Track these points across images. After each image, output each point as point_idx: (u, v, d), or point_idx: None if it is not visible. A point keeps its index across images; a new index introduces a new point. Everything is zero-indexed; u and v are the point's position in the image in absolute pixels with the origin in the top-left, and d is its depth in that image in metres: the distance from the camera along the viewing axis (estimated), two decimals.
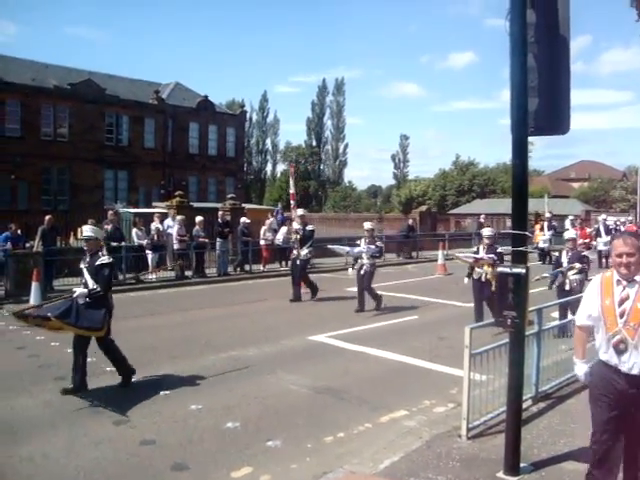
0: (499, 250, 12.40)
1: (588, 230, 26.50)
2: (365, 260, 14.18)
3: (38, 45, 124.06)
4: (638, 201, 56.30)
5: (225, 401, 7.77)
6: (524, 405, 6.33)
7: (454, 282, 19.29)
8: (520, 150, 5.27)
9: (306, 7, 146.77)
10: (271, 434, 6.64)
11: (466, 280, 12.80)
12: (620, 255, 4.33)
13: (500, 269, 5.14)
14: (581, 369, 4.76)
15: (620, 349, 4.29)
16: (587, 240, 22.38)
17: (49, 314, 7.70)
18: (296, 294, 15.76)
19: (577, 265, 11.27)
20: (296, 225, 16.34)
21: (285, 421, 7.10)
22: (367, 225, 14.99)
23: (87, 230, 8.63)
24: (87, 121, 40.40)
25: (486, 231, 12.99)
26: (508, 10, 5.32)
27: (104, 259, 8.28)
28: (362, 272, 14.17)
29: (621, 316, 4.30)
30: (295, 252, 15.99)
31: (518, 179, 5.29)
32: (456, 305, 14.99)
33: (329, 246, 16.31)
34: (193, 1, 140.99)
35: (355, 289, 14.75)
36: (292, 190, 17.51)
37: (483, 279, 12.16)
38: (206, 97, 49.31)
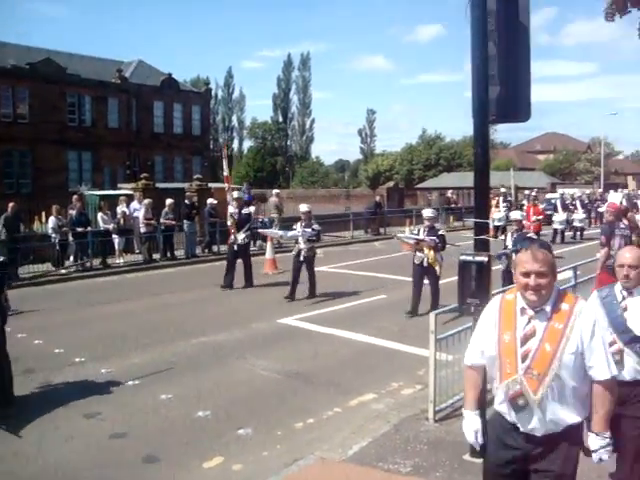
0: (441, 232, 11.77)
1: (541, 207, 24.92)
2: (302, 244, 13.23)
3: None
4: (602, 173, 57.30)
5: (196, 389, 7.80)
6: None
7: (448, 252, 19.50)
8: (482, 138, 5.33)
9: None
10: (242, 422, 6.70)
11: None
12: (527, 274, 3.17)
13: (462, 257, 5.21)
14: (471, 425, 3.48)
15: (518, 405, 3.19)
16: (541, 217, 21.52)
17: None
18: (227, 281, 14.90)
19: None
20: (231, 209, 15.34)
21: (256, 408, 7.16)
22: (303, 207, 14.00)
23: None
24: (48, 102, 39.52)
25: (426, 211, 12.13)
26: None
27: None
28: (300, 258, 13.26)
29: (523, 359, 3.16)
30: (232, 237, 15.08)
31: (480, 167, 5.36)
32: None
33: (260, 231, 15.69)
34: None
35: None
36: (226, 172, 16.29)
37: (425, 264, 11.49)
38: (170, 75, 48.55)
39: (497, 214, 24.82)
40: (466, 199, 37.66)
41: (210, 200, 22.41)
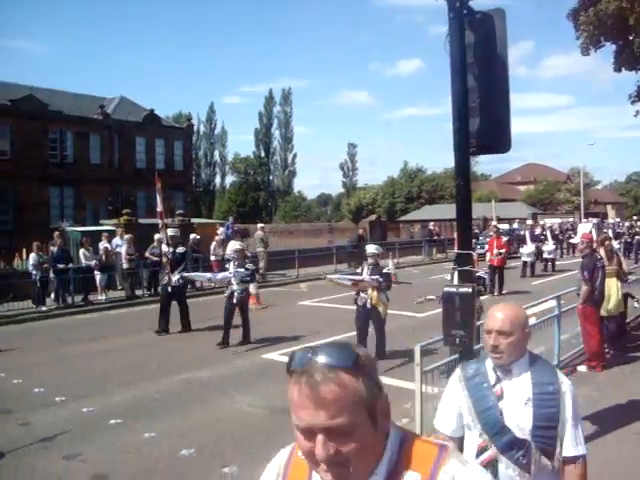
0: (386, 270, 10.87)
1: (504, 239, 22.09)
2: (235, 286, 12.27)
3: None
4: (582, 202, 57.99)
5: (179, 427, 7.67)
6: None
7: (407, 292, 19.47)
8: (463, 170, 5.35)
9: (251, 18, 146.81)
10: (227, 459, 6.58)
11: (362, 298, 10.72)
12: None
13: (446, 289, 5.19)
14: None
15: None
16: (503, 250, 19.71)
17: None
18: (162, 324, 13.94)
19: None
20: (164, 247, 14.39)
21: (241, 445, 7.04)
22: (234, 245, 13.17)
23: None
24: (30, 138, 39.43)
25: (370, 248, 11.13)
26: (447, 32, 5.41)
27: None
28: (233, 300, 12.27)
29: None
30: (166, 278, 14.07)
31: (462, 199, 5.37)
32: (408, 315, 15.11)
33: (185, 275, 14.24)
34: (137, 13, 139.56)
35: None
36: (159, 208, 14.91)
37: (368, 305, 10.54)
38: (152, 111, 48.75)
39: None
40: (448, 231, 37.88)
41: (193, 235, 22.36)
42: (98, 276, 19.37)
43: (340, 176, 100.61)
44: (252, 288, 17.56)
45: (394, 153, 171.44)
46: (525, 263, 24.21)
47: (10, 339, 13.43)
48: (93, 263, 19.18)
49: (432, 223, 34.94)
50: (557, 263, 26.54)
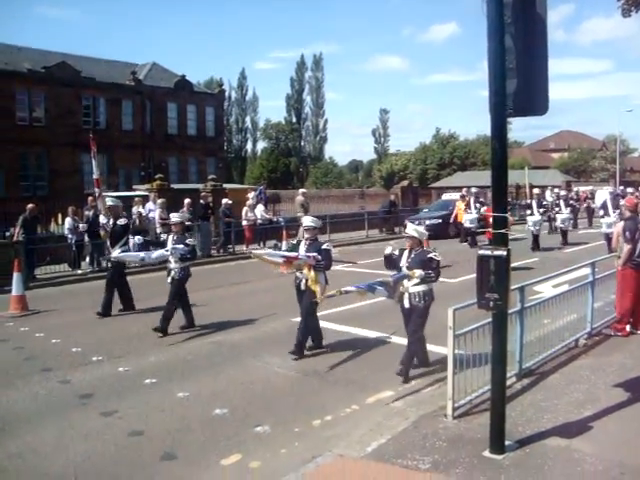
0: (325, 246, 9.30)
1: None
2: (173, 264, 10.76)
3: (8, 27, 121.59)
4: (617, 170, 56.81)
5: (212, 387, 7.80)
6: (508, 382, 6.42)
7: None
8: (499, 133, 5.29)
9: None
10: (259, 419, 6.69)
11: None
12: None
13: (481, 252, 5.16)
14: None
15: None
16: None
17: None
18: (105, 306, 12.31)
19: (417, 272, 7.87)
20: (103, 219, 12.77)
21: (273, 406, 7.15)
22: (175, 217, 11.63)
23: None
24: (63, 105, 39.84)
25: (306, 220, 9.71)
26: None
27: None
28: (169, 279, 10.82)
29: None
30: (106, 252, 12.82)
31: (498, 161, 5.31)
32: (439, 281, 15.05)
33: (113, 257, 12.42)
34: None
35: None
36: (95, 175, 13.21)
37: (302, 286, 9.16)
38: (184, 77, 48.76)
39: (468, 216, 22.70)
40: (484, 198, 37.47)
41: (225, 200, 22.49)
42: (131, 240, 19.56)
43: (372, 142, 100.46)
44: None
45: (426, 119, 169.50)
46: (533, 234, 21.43)
47: (48, 301, 13.73)
48: None
49: (464, 189, 33.52)
50: (570, 234, 23.95)
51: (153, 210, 20.71)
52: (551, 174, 62.94)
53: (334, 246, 15.10)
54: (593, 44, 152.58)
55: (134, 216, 19.97)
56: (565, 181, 53.94)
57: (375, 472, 5.29)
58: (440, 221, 26.40)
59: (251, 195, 24.95)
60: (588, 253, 16.64)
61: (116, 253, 12.28)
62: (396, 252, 8.32)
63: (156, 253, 11.26)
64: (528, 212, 23.14)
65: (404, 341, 9.61)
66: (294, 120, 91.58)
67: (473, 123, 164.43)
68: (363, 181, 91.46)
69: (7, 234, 17.97)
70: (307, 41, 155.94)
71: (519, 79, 5.26)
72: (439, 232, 24.16)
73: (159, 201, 20.61)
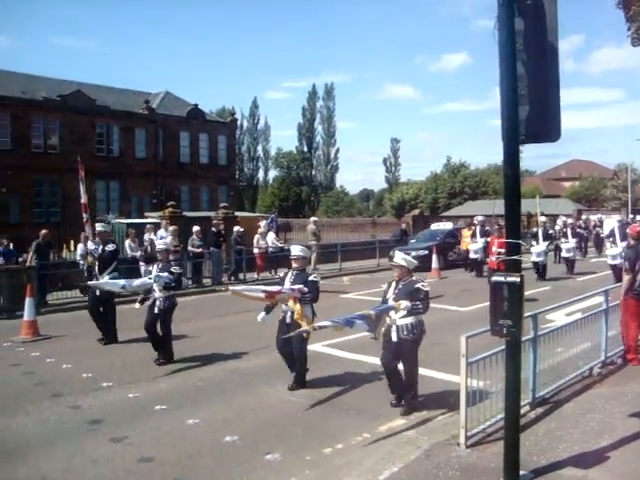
0: (312, 278, 8.83)
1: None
2: (157, 293, 10.38)
3: (25, 57, 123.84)
4: (629, 199, 56.66)
5: (223, 414, 7.75)
6: (522, 411, 6.32)
7: (449, 286, 19.32)
8: (512, 159, 5.28)
9: (295, 11, 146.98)
10: (270, 447, 6.63)
11: (262, 315, 8.99)
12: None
13: (494, 278, 5.14)
14: None
15: None
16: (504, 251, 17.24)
17: None
18: (109, 335, 12.18)
19: (404, 304, 7.46)
20: (91, 245, 12.59)
21: (283, 433, 7.08)
22: (160, 245, 11.40)
23: None
24: (78, 132, 40.33)
25: (294, 249, 9.28)
26: (496, 19, 5.34)
27: None
28: (155, 310, 10.35)
29: None
30: (94, 280, 12.17)
31: (510, 187, 5.30)
32: (450, 309, 14.99)
33: (90, 284, 12.08)
34: (180, 8, 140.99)
35: None
36: (83, 199, 13.15)
37: (288, 319, 8.68)
38: (196, 105, 49.34)
39: (473, 245, 22.16)
40: (493, 226, 37.39)
41: (237, 228, 22.58)
42: (143, 267, 19.65)
43: (383, 171, 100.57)
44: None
45: (437, 148, 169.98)
46: (536, 264, 20.57)
47: (59, 326, 13.75)
48: (138, 254, 19.48)
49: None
50: (578, 264, 23.20)
51: (165, 237, 20.75)
52: (563, 203, 62.83)
53: (345, 274, 15.03)
54: (603, 73, 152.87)
55: (145, 243, 20.11)
56: (576, 210, 53.80)
57: None
58: (427, 252, 24.25)
59: (263, 223, 25.03)
60: (597, 283, 16.42)
61: (105, 278, 11.90)
62: (384, 286, 8.02)
63: (138, 281, 11.04)
64: (533, 242, 22.24)
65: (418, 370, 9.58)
66: (305, 149, 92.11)
67: (484, 152, 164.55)
68: (374, 210, 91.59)
69: (20, 259, 18.06)
70: (319, 70, 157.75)
71: (531, 105, 5.28)
72: (426, 264, 22.02)
73: (171, 228, 20.69)
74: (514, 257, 5.14)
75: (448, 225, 29.45)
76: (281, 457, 6.39)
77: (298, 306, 8.54)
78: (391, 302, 7.59)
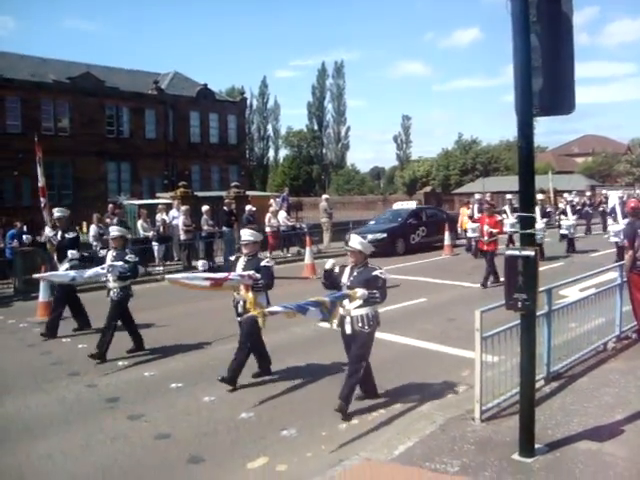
0: (265, 263, 8.15)
1: (498, 218, 17.00)
2: (112, 283, 9.66)
3: (34, 39, 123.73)
4: None
5: (238, 391, 7.80)
6: (536, 386, 6.32)
7: (461, 262, 19.30)
8: (526, 132, 5.23)
9: None
10: (285, 423, 6.68)
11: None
12: None
13: (508, 252, 5.12)
14: None
15: None
16: (495, 231, 15.45)
17: None
18: (51, 326, 11.15)
19: (360, 292, 6.75)
20: (49, 232, 11.93)
21: (299, 409, 7.13)
22: (112, 232, 10.27)
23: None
24: (87, 114, 40.39)
25: (245, 233, 8.57)
26: None
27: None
28: (109, 299, 9.76)
29: None
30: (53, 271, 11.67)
31: (524, 160, 5.26)
32: (464, 286, 15.00)
33: (36, 276, 11.54)
34: None
35: None
36: (41, 182, 12.42)
37: (240, 309, 8.10)
38: (205, 85, 49.20)
39: (472, 224, 20.59)
40: (506, 203, 37.16)
41: (248, 207, 22.56)
42: (156, 247, 19.77)
43: (394, 149, 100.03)
44: (307, 258, 17.77)
45: (449, 125, 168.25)
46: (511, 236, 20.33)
47: None
48: (151, 234, 19.57)
49: (488, 194, 31.86)
50: (580, 242, 22.19)
51: (177, 217, 20.84)
52: (575, 179, 62.33)
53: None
54: (618, 46, 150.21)
55: (158, 223, 20.17)
56: (590, 185, 53.38)
57: (403, 475, 5.25)
58: (385, 235, 22.10)
59: (274, 202, 25.03)
60: (607, 259, 15.86)
61: (64, 266, 11.25)
62: (337, 269, 7.28)
63: (90, 272, 10.00)
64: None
65: (431, 346, 9.62)
66: (316, 127, 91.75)
67: (496, 129, 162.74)
68: (385, 188, 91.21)
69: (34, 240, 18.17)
70: (328, 48, 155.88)
71: (545, 78, 5.22)
72: (385, 249, 20.63)
73: (183, 208, 20.74)
74: (529, 231, 5.12)
75: (412, 204, 26.40)
76: (297, 433, 6.44)
77: (250, 294, 7.87)
78: (345, 290, 6.92)
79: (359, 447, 5.92)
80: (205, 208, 20.65)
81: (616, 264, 9.61)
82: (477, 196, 24.04)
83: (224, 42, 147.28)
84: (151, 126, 45.02)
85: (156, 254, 19.79)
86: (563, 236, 21.43)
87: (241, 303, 8.03)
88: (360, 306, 6.84)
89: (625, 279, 9.16)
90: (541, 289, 6.33)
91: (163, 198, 26.51)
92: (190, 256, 19.93)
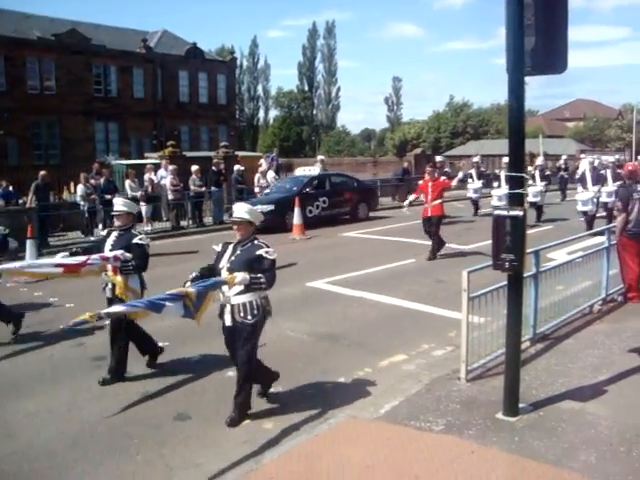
0: (137, 240, 6.95)
1: (443, 179, 15.11)
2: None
3: None
4: (634, 139, 56.05)
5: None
6: (522, 347, 6.36)
7: (450, 224, 19.29)
8: (517, 90, 5.17)
9: None
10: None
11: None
12: None
13: (497, 212, 5.10)
14: None
15: None
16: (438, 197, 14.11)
17: None
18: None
19: (240, 276, 5.64)
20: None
21: (285, 368, 7.12)
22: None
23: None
24: (74, 73, 39.68)
25: (117, 203, 7.32)
26: None
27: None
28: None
29: None
30: None
31: (515, 120, 5.21)
32: (452, 247, 15.00)
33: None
34: None
35: None
36: None
37: (108, 294, 6.97)
38: (195, 44, 48.40)
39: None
40: (496, 165, 37.13)
41: (237, 167, 22.45)
42: (144, 207, 19.58)
43: (384, 111, 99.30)
44: (297, 219, 17.64)
45: (440, 88, 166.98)
46: (472, 200, 21.36)
47: None
48: (139, 194, 19.40)
49: (477, 157, 31.83)
50: (547, 210, 20.68)
51: (165, 177, 20.69)
52: (565, 143, 62.27)
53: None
54: (614, 10, 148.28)
55: (146, 183, 20.03)
56: (580, 150, 53.35)
57: (388, 433, 5.30)
58: (273, 207, 18.36)
59: (264, 161, 24.87)
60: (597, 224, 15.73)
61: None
62: (219, 247, 6.14)
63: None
64: (495, 185, 20.51)
65: (418, 306, 9.65)
66: (306, 88, 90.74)
67: (487, 92, 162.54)
68: (376, 150, 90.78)
69: (20, 201, 18.03)
70: (320, 9, 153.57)
71: (538, 36, 5.14)
72: (273, 223, 16.94)
73: (170, 167, 20.56)
74: (518, 191, 5.09)
75: (316, 170, 22.45)
76: (283, 391, 6.49)
77: (119, 278, 6.78)
78: (224, 274, 5.79)
79: (346, 405, 5.97)
80: (194, 168, 20.50)
81: (604, 227, 9.61)
82: (475, 158, 23.95)
83: (214, 1, 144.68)
84: (139, 85, 44.34)
85: (144, 214, 19.65)
86: (532, 204, 18.93)
87: (109, 286, 6.91)
88: (241, 292, 5.73)
89: (613, 242, 9.19)
90: (529, 251, 6.33)
91: (152, 158, 26.26)
92: (179, 216, 19.86)
